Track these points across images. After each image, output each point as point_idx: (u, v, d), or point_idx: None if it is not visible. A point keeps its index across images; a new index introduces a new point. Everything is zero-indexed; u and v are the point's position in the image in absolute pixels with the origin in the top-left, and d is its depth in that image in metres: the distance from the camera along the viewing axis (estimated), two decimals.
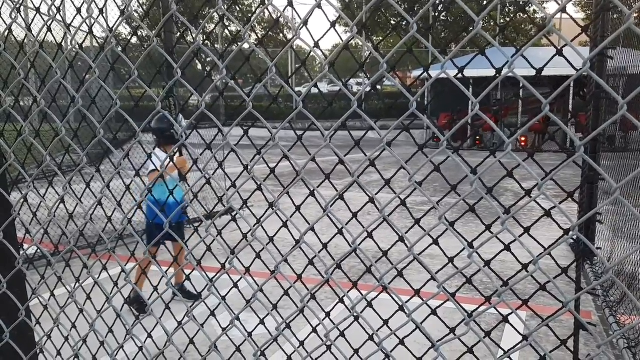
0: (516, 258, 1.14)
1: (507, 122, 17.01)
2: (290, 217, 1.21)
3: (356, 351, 1.27)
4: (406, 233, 1.13)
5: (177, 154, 4.41)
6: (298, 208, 1.30)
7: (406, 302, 1.20)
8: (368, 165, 1.24)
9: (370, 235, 1.25)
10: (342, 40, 1.08)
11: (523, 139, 16.07)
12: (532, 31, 29.00)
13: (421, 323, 1.21)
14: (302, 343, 1.32)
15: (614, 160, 7.62)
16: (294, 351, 1.33)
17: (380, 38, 28.12)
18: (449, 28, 30.02)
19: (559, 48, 1.02)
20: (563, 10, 0.91)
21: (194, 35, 1.10)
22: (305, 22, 1.14)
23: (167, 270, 1.44)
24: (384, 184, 1.23)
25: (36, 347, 1.56)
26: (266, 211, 1.26)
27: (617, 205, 5.84)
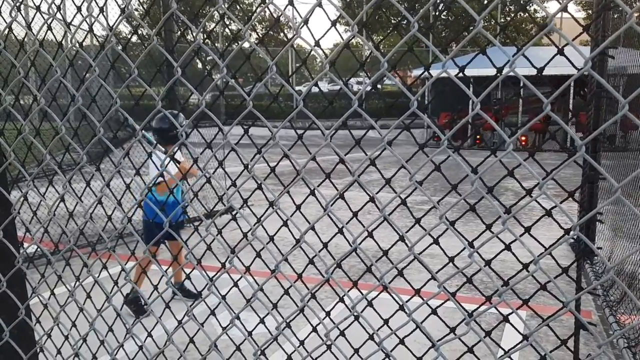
0: (516, 258, 1.14)
1: (507, 122, 17.00)
2: (291, 216, 1.21)
3: (356, 350, 1.27)
4: (406, 232, 1.13)
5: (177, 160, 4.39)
6: (298, 207, 1.30)
7: (406, 301, 1.20)
8: (369, 164, 1.24)
9: (370, 235, 1.25)
10: (343, 39, 1.08)
11: (523, 138, 16.06)
12: (532, 30, 28.95)
13: (421, 322, 1.21)
14: (302, 342, 1.32)
15: (614, 159, 7.63)
16: (294, 350, 1.33)
17: (381, 37, 28.09)
18: (450, 27, 30.01)
19: (560, 47, 1.02)
20: (564, 9, 0.91)
21: (194, 34, 1.09)
22: (305, 21, 1.14)
23: (166, 270, 1.44)
24: (385, 183, 1.23)
25: (36, 346, 1.55)
26: (266, 210, 1.26)
27: (617, 205, 5.84)
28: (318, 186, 1.21)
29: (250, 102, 1.10)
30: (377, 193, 1.18)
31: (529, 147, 15.37)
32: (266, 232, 1.35)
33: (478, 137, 17.20)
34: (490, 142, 16.88)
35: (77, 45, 1.36)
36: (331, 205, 1.16)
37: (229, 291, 1.44)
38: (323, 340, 1.25)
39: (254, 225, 1.25)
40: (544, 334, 3.96)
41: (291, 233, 1.35)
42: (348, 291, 1.25)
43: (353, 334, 1.36)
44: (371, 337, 1.25)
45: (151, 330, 1.52)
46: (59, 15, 1.42)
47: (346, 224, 1.18)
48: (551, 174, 0.86)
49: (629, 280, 4.48)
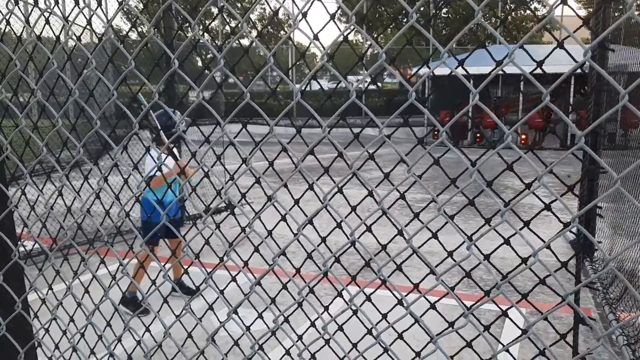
0: (515, 252, 1.13)
1: (507, 119, 16.98)
2: (289, 210, 1.21)
3: (354, 345, 1.27)
4: (405, 226, 1.12)
5: (173, 158, 4.38)
6: (297, 202, 1.30)
7: (405, 295, 1.20)
8: (367, 158, 1.24)
9: (369, 229, 1.25)
10: (341, 31, 1.07)
11: (523, 136, 16.04)
12: (533, 28, 28.97)
13: (420, 317, 1.21)
14: (300, 337, 1.32)
15: (614, 157, 7.63)
16: (292, 345, 1.32)
17: (382, 35, 28.13)
18: (450, 25, 30.06)
19: (560, 40, 1.02)
20: (564, 1, 0.90)
21: (192, 25, 1.08)
22: (304, 14, 1.14)
23: (164, 265, 1.44)
24: (383, 177, 1.22)
25: (33, 340, 1.55)
26: (265, 204, 1.25)
27: (616, 203, 5.84)
28: (317, 179, 1.21)
29: (248, 94, 1.09)
30: (376, 186, 1.18)
31: (530, 145, 15.35)
32: (264, 226, 1.35)
33: (478, 135, 17.17)
34: (490, 140, 16.84)
35: (74, 36, 1.35)
36: (330, 199, 1.15)
37: (226, 286, 1.44)
38: (320, 333, 1.25)
39: (252, 219, 1.25)
40: (543, 331, 3.96)
41: (289, 227, 1.35)
42: (347, 285, 1.25)
43: (352, 330, 1.35)
44: (369, 332, 1.25)
45: (149, 325, 1.51)
46: (56, 9, 1.41)
47: (345, 217, 1.18)
48: (551, 165, 0.86)
49: (628, 277, 4.48)
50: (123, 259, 1.43)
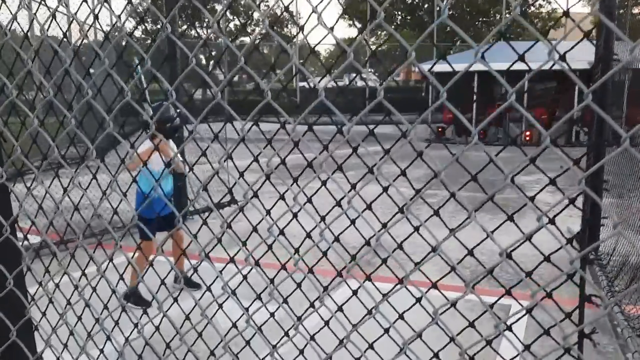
0: (518, 228, 1.11)
1: (511, 117, 16.85)
2: (291, 185, 1.19)
3: (354, 326, 1.24)
4: (410, 200, 1.10)
5: (158, 140, 4.34)
6: (295, 180, 1.27)
7: (409, 273, 1.17)
8: (367, 134, 1.22)
9: (369, 207, 1.23)
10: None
11: (528, 133, 15.92)
12: (538, 24, 29.05)
13: (421, 298, 1.19)
14: (299, 318, 1.30)
15: (618, 155, 7.59)
16: (292, 326, 1.30)
17: (385, 35, 28.23)
18: (454, 22, 30.26)
19: (565, 9, 1.00)
20: None
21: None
22: None
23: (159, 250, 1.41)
24: (384, 153, 1.20)
25: (25, 316, 1.52)
26: (263, 183, 1.23)
27: (621, 198, 5.80)
28: (320, 154, 1.18)
29: (242, 58, 1.06)
30: (378, 166, 1.16)
31: (534, 143, 15.28)
32: (263, 206, 1.32)
33: (482, 131, 17.08)
34: (494, 137, 16.75)
35: (73, 19, 1.33)
36: (332, 173, 1.13)
37: (225, 266, 1.42)
38: (314, 308, 1.23)
39: (249, 196, 1.22)
40: (547, 324, 3.93)
41: (290, 210, 1.32)
42: (348, 265, 1.23)
43: (353, 318, 1.33)
44: (369, 312, 1.22)
45: (146, 309, 1.50)
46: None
47: (348, 192, 1.16)
48: (558, 123, 0.83)
49: (633, 271, 4.45)
50: (118, 244, 1.41)
